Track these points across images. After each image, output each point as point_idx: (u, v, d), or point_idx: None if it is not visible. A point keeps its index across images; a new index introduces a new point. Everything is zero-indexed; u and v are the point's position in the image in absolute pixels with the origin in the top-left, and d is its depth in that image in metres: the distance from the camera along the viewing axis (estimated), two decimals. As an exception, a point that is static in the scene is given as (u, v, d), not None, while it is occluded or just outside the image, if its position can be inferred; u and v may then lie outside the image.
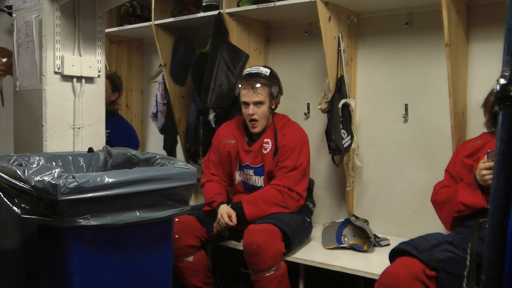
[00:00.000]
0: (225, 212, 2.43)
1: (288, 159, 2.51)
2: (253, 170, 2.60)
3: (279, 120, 2.64)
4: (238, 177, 2.68)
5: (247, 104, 2.53)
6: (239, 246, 2.48)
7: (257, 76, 2.54)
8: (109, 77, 3.03)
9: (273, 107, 2.58)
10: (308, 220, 2.62)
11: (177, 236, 2.36)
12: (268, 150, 2.54)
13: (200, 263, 2.47)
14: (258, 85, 2.51)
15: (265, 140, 2.56)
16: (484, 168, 1.91)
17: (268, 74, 2.57)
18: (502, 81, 0.73)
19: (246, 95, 2.52)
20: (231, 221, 2.42)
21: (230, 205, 2.49)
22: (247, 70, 2.65)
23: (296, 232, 2.40)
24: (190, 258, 2.45)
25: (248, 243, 2.26)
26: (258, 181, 2.60)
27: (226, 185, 2.71)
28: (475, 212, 1.97)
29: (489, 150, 1.97)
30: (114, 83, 3.31)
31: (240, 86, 2.57)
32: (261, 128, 2.56)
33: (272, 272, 2.25)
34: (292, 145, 2.52)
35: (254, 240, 2.24)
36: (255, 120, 2.53)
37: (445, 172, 2.22)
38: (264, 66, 2.65)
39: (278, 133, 2.55)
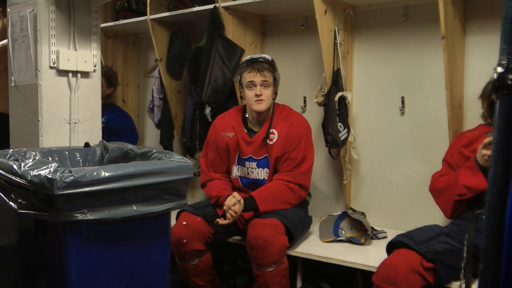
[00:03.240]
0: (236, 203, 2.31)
1: (295, 150, 2.44)
2: (256, 163, 2.51)
3: (281, 110, 2.57)
4: (236, 172, 2.58)
5: (253, 84, 2.43)
6: (238, 240, 2.48)
7: (261, 61, 2.48)
8: (104, 74, 3.06)
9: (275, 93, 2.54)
10: (309, 215, 2.61)
11: (184, 241, 2.30)
12: (274, 140, 2.45)
13: (205, 264, 2.40)
14: (264, 68, 2.44)
15: (271, 130, 2.47)
16: (484, 147, 1.90)
17: (270, 59, 2.53)
18: (499, 69, 0.73)
19: (253, 76, 2.42)
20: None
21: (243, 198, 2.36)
22: (248, 56, 2.57)
23: (298, 227, 2.38)
24: (196, 261, 2.38)
25: (254, 237, 2.22)
26: (261, 174, 2.51)
27: (228, 180, 2.61)
28: (477, 195, 1.97)
29: (488, 132, 1.97)
30: (109, 79, 3.41)
31: (243, 71, 2.48)
32: (266, 107, 2.46)
33: (276, 267, 2.22)
34: (299, 135, 2.46)
35: (260, 235, 2.20)
36: (261, 100, 2.43)
37: (443, 162, 2.22)
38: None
39: (285, 122, 2.48)
